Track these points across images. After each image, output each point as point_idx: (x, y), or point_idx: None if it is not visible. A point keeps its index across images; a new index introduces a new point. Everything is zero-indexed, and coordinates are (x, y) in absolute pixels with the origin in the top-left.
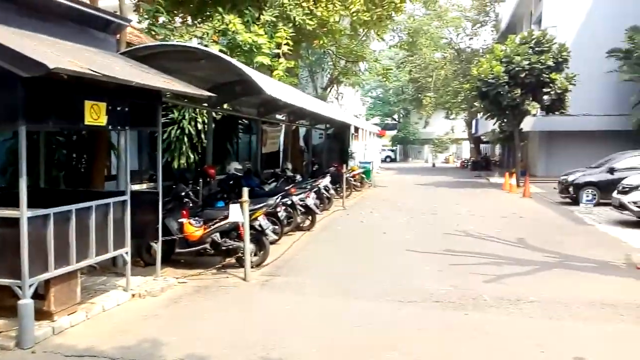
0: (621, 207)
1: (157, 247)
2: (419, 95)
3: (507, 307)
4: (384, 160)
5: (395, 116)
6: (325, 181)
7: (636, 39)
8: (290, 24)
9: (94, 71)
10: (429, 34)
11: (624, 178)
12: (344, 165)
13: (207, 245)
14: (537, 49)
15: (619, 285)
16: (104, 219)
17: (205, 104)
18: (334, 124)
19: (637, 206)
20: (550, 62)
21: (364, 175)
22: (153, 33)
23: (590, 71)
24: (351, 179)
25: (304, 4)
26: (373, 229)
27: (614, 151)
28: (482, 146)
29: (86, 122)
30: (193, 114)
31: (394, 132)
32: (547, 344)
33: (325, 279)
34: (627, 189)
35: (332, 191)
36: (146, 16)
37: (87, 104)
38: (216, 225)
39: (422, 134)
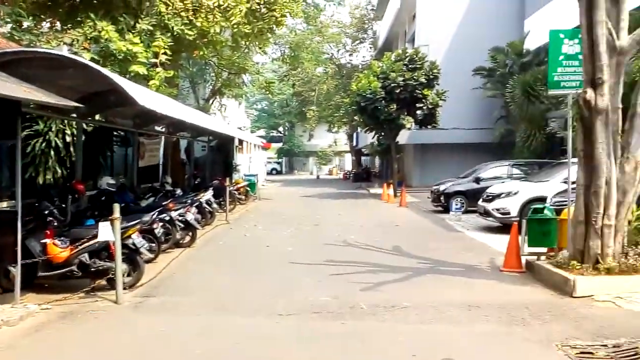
0: (486, 214)
1: (16, 271)
2: (303, 108)
3: (382, 314)
4: (269, 173)
5: (281, 129)
6: (208, 195)
7: (498, 58)
8: (169, 34)
9: None
10: (311, 49)
11: (488, 187)
12: (228, 179)
13: (74, 267)
14: (410, 66)
15: (484, 288)
16: None
17: (74, 115)
18: (217, 136)
19: (499, 213)
20: (422, 79)
21: (248, 188)
22: (17, 38)
23: (459, 88)
24: (235, 192)
25: (183, 14)
26: (256, 242)
27: (480, 162)
28: (363, 158)
29: None
30: (61, 126)
31: (279, 145)
32: (418, 348)
33: (204, 297)
34: (490, 197)
35: (214, 205)
36: (8, 20)
37: None
38: (84, 245)
39: (307, 146)
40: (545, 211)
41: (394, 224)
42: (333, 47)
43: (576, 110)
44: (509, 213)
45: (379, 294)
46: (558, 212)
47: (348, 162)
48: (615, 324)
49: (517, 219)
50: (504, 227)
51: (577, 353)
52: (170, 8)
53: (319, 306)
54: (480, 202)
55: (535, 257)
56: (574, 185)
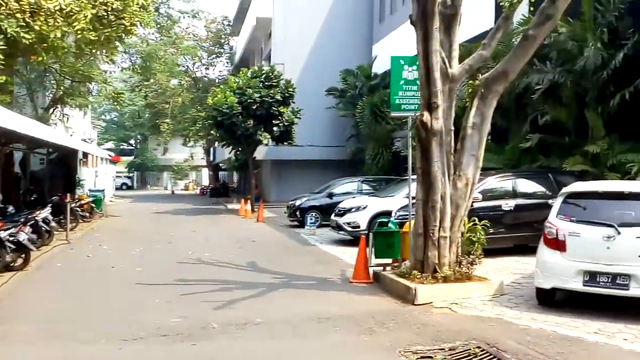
0: (338, 227)
1: None
2: (157, 121)
3: (234, 332)
4: (119, 188)
5: (132, 141)
6: (45, 212)
7: (348, 80)
8: (2, 36)
9: None
10: (164, 60)
11: (340, 202)
12: (70, 194)
13: None
14: (267, 83)
15: (334, 299)
16: None
17: None
18: (58, 148)
19: (350, 226)
20: (278, 97)
21: (93, 205)
22: None
23: (314, 106)
24: (78, 209)
25: (19, 15)
26: (100, 263)
27: (334, 178)
28: (220, 173)
29: None
30: None
31: (130, 158)
32: None
33: (37, 325)
34: (342, 212)
35: (53, 224)
36: None
37: None
38: None
39: (161, 160)
40: (390, 224)
41: (250, 240)
42: (188, 60)
43: (415, 131)
44: (358, 226)
45: (231, 311)
46: (402, 225)
47: (205, 177)
48: (451, 329)
49: (366, 232)
50: (354, 240)
51: (417, 358)
52: (3, 8)
53: (168, 328)
54: (332, 217)
55: (382, 268)
56: (415, 200)
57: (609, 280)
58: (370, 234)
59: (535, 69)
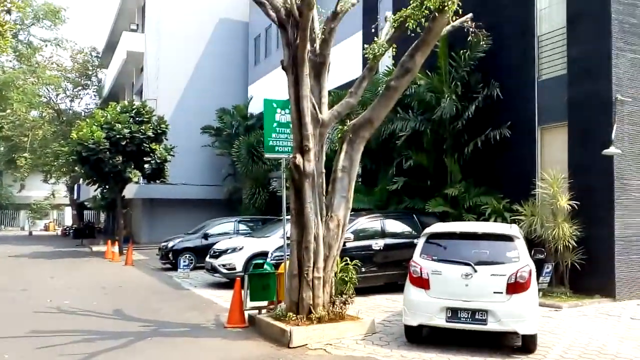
0: (213, 270)
1: None
2: (13, 155)
3: None
4: None
5: None
6: None
7: (225, 119)
8: None
9: None
10: (23, 89)
11: (216, 243)
12: None
13: None
14: (137, 118)
15: (207, 346)
16: None
17: None
18: None
19: (225, 268)
20: (150, 133)
21: None
22: None
23: (190, 144)
24: None
25: None
26: None
27: (210, 218)
28: (85, 212)
29: None
30: None
31: None
32: None
33: None
34: (217, 253)
35: None
36: None
37: None
38: None
39: (18, 198)
40: (266, 266)
41: (118, 285)
42: (52, 91)
43: (289, 173)
44: (234, 268)
45: None
46: (277, 266)
47: (68, 216)
48: None
49: (242, 273)
50: (230, 283)
51: None
52: None
53: None
54: (207, 259)
55: (257, 311)
56: (290, 241)
57: (469, 316)
58: (246, 276)
59: (399, 117)
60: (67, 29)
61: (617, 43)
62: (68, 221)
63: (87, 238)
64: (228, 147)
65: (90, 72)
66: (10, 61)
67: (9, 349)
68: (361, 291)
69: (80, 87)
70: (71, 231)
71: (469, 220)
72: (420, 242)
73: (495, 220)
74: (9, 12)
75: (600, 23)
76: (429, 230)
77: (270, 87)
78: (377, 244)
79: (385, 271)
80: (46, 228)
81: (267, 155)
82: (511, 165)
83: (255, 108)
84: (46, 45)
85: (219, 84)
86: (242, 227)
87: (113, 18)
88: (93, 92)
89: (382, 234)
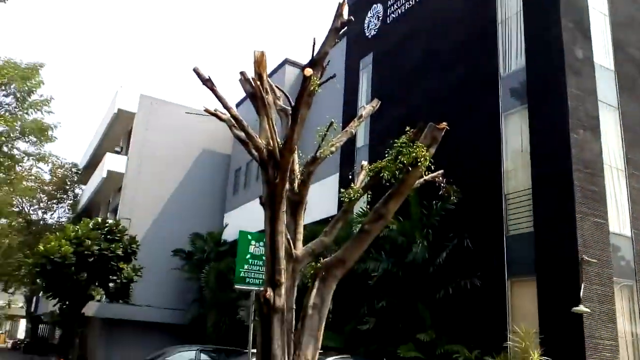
0: None
1: None
2: None
3: None
4: None
5: None
6: None
7: (197, 244)
8: None
9: None
10: None
11: None
12: None
13: None
14: (109, 237)
15: None
16: None
17: None
18: None
19: None
20: (120, 252)
21: None
22: None
23: (158, 266)
24: None
25: None
26: None
27: (172, 343)
28: (40, 326)
29: None
30: None
31: None
32: None
33: None
34: None
35: None
36: None
37: None
38: None
39: None
40: None
41: None
42: (25, 201)
43: (257, 305)
44: None
45: None
46: None
47: (22, 328)
48: None
49: None
50: None
51: None
52: None
53: None
54: None
55: None
56: None
57: None
58: None
59: (371, 257)
60: (52, 144)
61: (581, 208)
62: (21, 334)
63: (39, 354)
64: (197, 271)
65: (67, 187)
66: None
67: None
68: None
69: (55, 200)
70: (23, 345)
71: None
72: None
73: None
74: None
75: (564, 188)
76: None
77: (246, 216)
78: None
79: None
80: None
81: (236, 287)
82: (482, 315)
83: (229, 235)
84: (28, 159)
85: (195, 209)
86: (204, 356)
87: (99, 139)
88: (68, 206)
89: None
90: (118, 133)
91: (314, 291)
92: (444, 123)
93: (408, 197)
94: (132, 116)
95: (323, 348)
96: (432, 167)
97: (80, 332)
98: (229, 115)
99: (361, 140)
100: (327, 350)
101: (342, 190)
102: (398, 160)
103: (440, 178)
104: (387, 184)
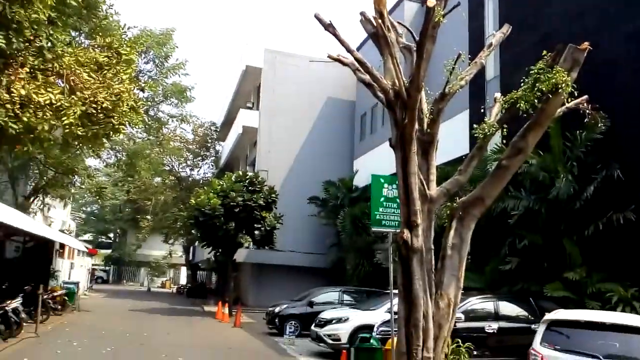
0: (318, 339)
1: None
2: (137, 216)
3: None
4: (94, 281)
5: (111, 235)
6: (16, 303)
7: (330, 191)
8: None
9: None
10: (149, 159)
11: (321, 311)
12: (43, 285)
13: None
14: (250, 188)
15: None
16: None
17: None
18: (34, 237)
19: (330, 339)
20: (261, 202)
21: (66, 298)
22: None
23: (297, 213)
24: (50, 301)
25: (8, 106)
26: None
27: (315, 286)
28: (199, 273)
29: None
30: None
31: (108, 251)
32: None
33: None
34: (322, 322)
35: (23, 315)
36: None
37: None
38: None
39: (139, 255)
40: (372, 340)
41: (227, 346)
42: (174, 160)
43: (396, 247)
44: (339, 340)
45: None
46: (383, 341)
47: (183, 275)
48: None
49: (347, 346)
50: (335, 353)
51: None
52: None
53: None
54: (312, 327)
55: None
56: (397, 316)
57: None
58: (352, 349)
59: (511, 195)
60: (190, 105)
61: None
62: (183, 280)
63: (200, 297)
64: (333, 217)
65: (209, 145)
66: (140, 133)
67: None
68: None
69: (199, 158)
70: (185, 290)
71: (592, 309)
72: (540, 329)
73: (623, 310)
74: (142, 90)
75: None
76: (550, 316)
77: (375, 161)
78: (491, 326)
79: (499, 356)
80: (163, 285)
81: (373, 229)
82: (638, 251)
83: (360, 181)
84: (172, 121)
85: (325, 157)
86: (346, 297)
87: (231, 97)
88: (211, 162)
89: (496, 317)
90: (248, 89)
91: (452, 231)
92: (585, 43)
93: (548, 128)
94: (259, 71)
95: (464, 289)
96: (575, 92)
97: (234, 277)
98: (352, 58)
99: (491, 72)
100: (469, 290)
101: (475, 126)
102: (536, 89)
103: (585, 104)
104: (524, 115)
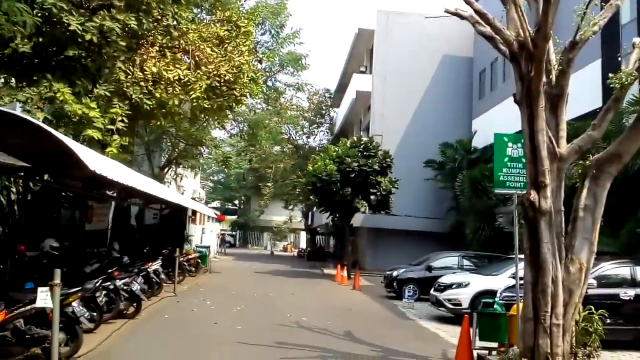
0: (437, 303)
1: None
2: (259, 184)
3: None
4: (222, 245)
5: (236, 202)
6: (156, 265)
7: (447, 153)
8: (127, 101)
9: None
10: (269, 128)
11: (440, 276)
12: (179, 249)
13: (8, 333)
14: (365, 153)
15: None
16: None
17: (21, 173)
18: (170, 205)
19: (451, 303)
20: (376, 166)
21: (199, 260)
22: None
23: (412, 177)
24: (185, 263)
25: (142, 84)
26: (204, 318)
27: (431, 250)
28: (317, 237)
29: None
30: (6, 183)
31: (234, 218)
32: None
33: None
34: (442, 287)
35: (162, 276)
36: None
37: None
38: (20, 310)
39: (262, 221)
40: (495, 306)
41: (347, 308)
42: (291, 128)
43: (521, 209)
44: (460, 304)
45: None
46: (507, 307)
47: (303, 239)
48: None
49: (468, 310)
50: (455, 318)
51: None
52: (130, 77)
53: None
54: (432, 292)
55: (487, 352)
56: (522, 282)
57: None
58: (474, 314)
59: None
60: (305, 73)
61: None
62: (302, 244)
63: (319, 261)
64: (450, 180)
65: (323, 112)
66: (260, 104)
67: (259, 355)
68: (605, 345)
69: (315, 125)
70: (305, 253)
71: None
72: None
73: None
74: (260, 61)
75: None
76: None
77: (495, 120)
78: (626, 293)
79: (636, 325)
80: (284, 249)
81: (496, 191)
82: None
83: (479, 142)
84: (289, 90)
85: (441, 118)
86: (466, 262)
87: (344, 61)
88: (326, 129)
89: (632, 283)
90: (361, 53)
91: (585, 191)
92: None
93: None
94: (372, 34)
95: (597, 253)
96: None
97: (351, 241)
98: (471, 11)
99: (627, 15)
100: (601, 255)
101: (610, 75)
102: None
103: None
104: None
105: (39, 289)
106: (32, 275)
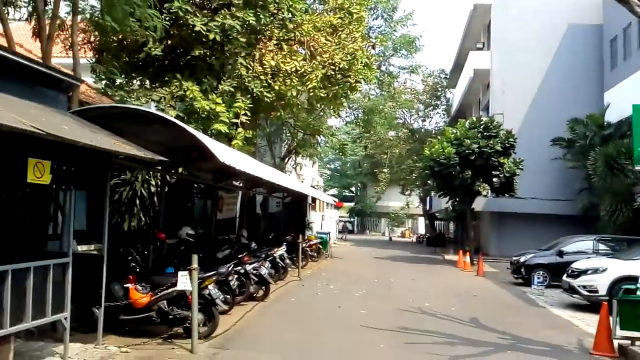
0: (571, 290)
1: (100, 312)
2: (375, 170)
3: None
4: (341, 232)
5: (353, 188)
6: (281, 250)
7: (577, 129)
8: (249, 95)
9: (37, 129)
10: (383, 114)
11: (572, 261)
12: (301, 235)
13: (153, 314)
14: (485, 133)
15: None
16: (43, 281)
17: (159, 167)
18: (292, 193)
19: (586, 290)
20: (498, 147)
21: (320, 246)
22: (110, 94)
23: (537, 157)
24: (308, 249)
25: (262, 77)
26: (328, 301)
27: (561, 234)
28: (436, 223)
29: (29, 180)
30: (146, 176)
31: (351, 204)
32: None
33: (276, 355)
34: (576, 273)
35: (287, 261)
36: (103, 77)
37: (31, 161)
38: (163, 293)
39: (379, 207)
40: (638, 292)
41: (472, 294)
42: (406, 113)
43: None
44: (596, 291)
45: None
46: None
47: (421, 225)
48: None
49: (607, 298)
50: (591, 306)
51: None
52: (250, 72)
53: None
54: (564, 278)
55: (629, 342)
56: None
57: None
58: (614, 302)
59: None
60: (418, 55)
61: None
62: (421, 230)
63: (439, 246)
64: (581, 159)
65: (439, 93)
66: (374, 90)
67: (383, 339)
68: None
69: (430, 108)
70: (424, 239)
71: None
72: None
73: None
74: (373, 47)
75: None
76: None
77: (632, 92)
78: None
79: None
80: (402, 235)
81: (637, 168)
82: None
83: (612, 116)
84: (403, 73)
85: (567, 93)
86: (601, 246)
87: (459, 39)
88: (442, 111)
89: None
90: (477, 29)
91: None
92: None
93: None
94: (488, 8)
95: None
96: None
97: (474, 226)
98: None
99: None
100: None
101: None
102: None
103: None
104: None
105: (179, 273)
106: (171, 260)
